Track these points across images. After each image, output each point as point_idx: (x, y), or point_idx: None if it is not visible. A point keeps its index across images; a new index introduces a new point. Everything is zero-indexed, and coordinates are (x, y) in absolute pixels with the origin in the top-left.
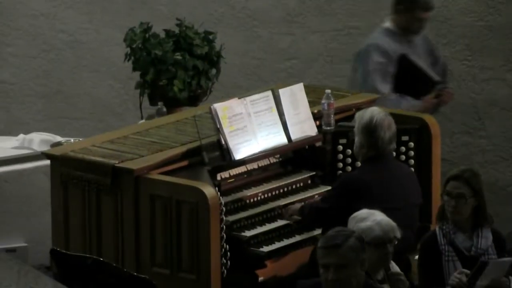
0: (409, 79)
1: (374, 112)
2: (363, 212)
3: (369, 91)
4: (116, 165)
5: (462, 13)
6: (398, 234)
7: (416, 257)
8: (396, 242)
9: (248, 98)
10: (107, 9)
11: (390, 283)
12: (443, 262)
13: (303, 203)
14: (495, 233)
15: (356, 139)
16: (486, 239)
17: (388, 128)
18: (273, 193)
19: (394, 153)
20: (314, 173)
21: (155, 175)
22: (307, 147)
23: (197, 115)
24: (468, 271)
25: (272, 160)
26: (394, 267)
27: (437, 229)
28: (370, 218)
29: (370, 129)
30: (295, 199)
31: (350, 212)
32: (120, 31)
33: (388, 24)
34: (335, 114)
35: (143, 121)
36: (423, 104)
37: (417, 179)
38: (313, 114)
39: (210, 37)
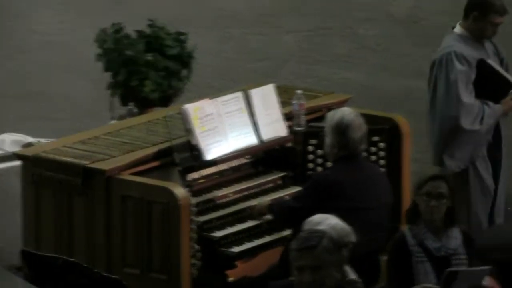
0: (488, 83)
1: (345, 112)
2: (317, 216)
3: (451, 101)
4: (87, 165)
5: (434, 13)
6: (353, 238)
7: (386, 258)
8: (351, 247)
9: (220, 99)
10: (81, 10)
11: None
12: (413, 263)
13: (271, 201)
14: (465, 234)
15: (327, 139)
16: (455, 240)
17: (359, 128)
18: (244, 193)
19: (365, 153)
20: (285, 173)
21: (126, 176)
22: (278, 147)
23: (168, 115)
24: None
25: (243, 160)
26: (350, 274)
27: (406, 230)
28: (325, 222)
29: (341, 129)
30: (269, 198)
31: (322, 212)
32: (94, 31)
33: (459, 30)
34: (306, 114)
35: (115, 121)
36: (504, 107)
37: (387, 179)
38: (284, 114)
39: (182, 37)
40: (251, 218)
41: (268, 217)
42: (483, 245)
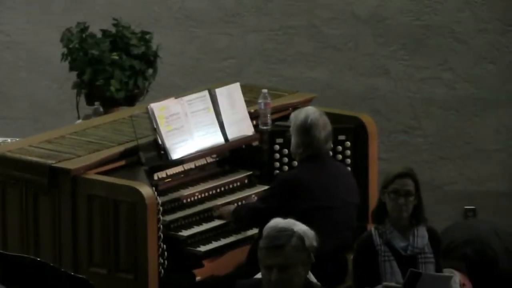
0: None
1: (309, 111)
2: (281, 222)
3: None
4: (53, 165)
5: (399, 12)
6: (316, 243)
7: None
8: (314, 251)
9: (185, 98)
10: (44, 10)
11: None
12: (379, 262)
13: (235, 206)
14: (431, 232)
15: (292, 139)
16: (422, 238)
17: (324, 128)
18: (210, 192)
19: (331, 152)
20: (251, 172)
21: (92, 175)
22: (244, 146)
23: (134, 115)
24: (393, 284)
25: (209, 159)
26: (311, 277)
27: (372, 229)
28: (300, 228)
29: (305, 128)
30: (232, 199)
31: (288, 211)
32: (58, 31)
33: None
34: (272, 113)
35: (80, 121)
36: None
37: (354, 178)
38: (250, 113)
39: (147, 37)
40: (213, 217)
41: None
42: (455, 240)
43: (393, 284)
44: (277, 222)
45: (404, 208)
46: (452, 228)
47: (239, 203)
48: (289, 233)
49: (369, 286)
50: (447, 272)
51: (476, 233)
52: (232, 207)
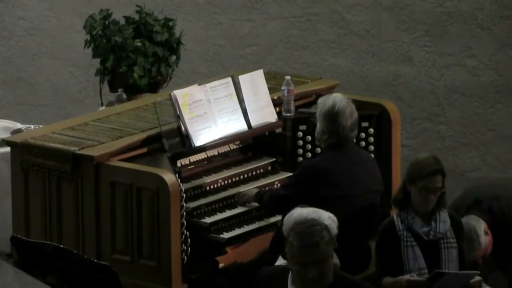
0: None
1: (337, 99)
2: (309, 212)
3: None
4: (76, 152)
5: None
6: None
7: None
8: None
9: (208, 85)
10: None
11: None
12: (402, 247)
13: (258, 190)
14: (452, 217)
15: (318, 125)
16: (444, 223)
17: (350, 116)
18: (233, 179)
19: (354, 140)
20: (274, 159)
21: (115, 162)
22: (267, 133)
23: (157, 101)
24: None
25: (232, 146)
26: (335, 259)
27: (394, 215)
28: (324, 217)
29: (332, 116)
30: (255, 186)
31: (311, 199)
32: (80, 18)
33: None
34: (295, 100)
35: (103, 108)
36: None
37: (378, 166)
38: (273, 100)
39: (170, 23)
40: (237, 205)
41: (255, 204)
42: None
43: (417, 277)
44: (301, 213)
45: (432, 203)
46: (481, 184)
47: (258, 190)
48: (319, 227)
49: (392, 272)
50: (473, 219)
51: (505, 191)
52: (254, 190)
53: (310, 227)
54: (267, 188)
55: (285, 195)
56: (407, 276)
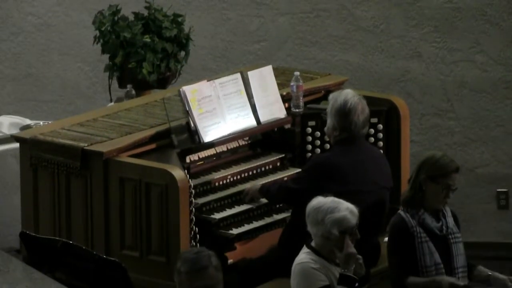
0: None
1: (349, 95)
2: (327, 201)
3: None
4: (85, 148)
5: None
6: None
7: (385, 239)
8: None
9: (217, 81)
10: None
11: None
12: (416, 244)
13: (261, 184)
14: (452, 212)
15: (329, 121)
16: (451, 218)
17: (362, 112)
18: (242, 175)
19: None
20: (283, 155)
21: (124, 158)
22: (276, 129)
23: (166, 97)
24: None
25: (241, 142)
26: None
27: (402, 212)
28: (341, 208)
29: (344, 112)
30: (264, 181)
31: (320, 194)
32: (89, 13)
33: None
34: (304, 96)
35: (112, 103)
36: None
37: (387, 162)
38: (282, 96)
39: (179, 19)
40: (244, 202)
41: (263, 200)
42: None
43: (458, 282)
44: (320, 201)
45: (448, 200)
46: None
47: (262, 184)
48: (207, 253)
49: (409, 271)
50: None
51: None
52: (258, 185)
53: (197, 253)
54: (272, 183)
55: (294, 188)
56: (446, 278)
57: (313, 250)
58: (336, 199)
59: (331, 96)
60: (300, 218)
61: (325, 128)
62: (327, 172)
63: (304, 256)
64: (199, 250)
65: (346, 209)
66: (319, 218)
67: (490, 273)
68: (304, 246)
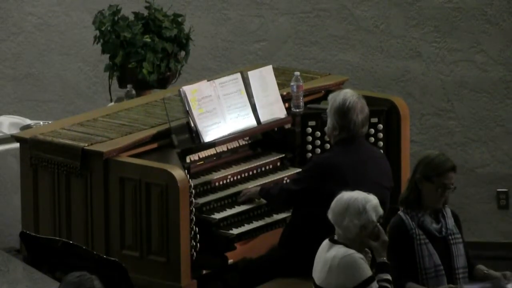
0: None
1: (347, 94)
2: (354, 193)
3: None
4: (85, 147)
5: None
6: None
7: None
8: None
9: (217, 81)
10: None
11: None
12: (415, 246)
13: (260, 187)
14: (452, 212)
15: (329, 120)
16: (450, 219)
17: (361, 111)
18: (243, 175)
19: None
20: (283, 155)
21: (124, 158)
22: (276, 129)
23: (166, 97)
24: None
25: (242, 142)
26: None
27: (401, 213)
28: (370, 196)
29: (343, 111)
30: (264, 181)
31: (321, 194)
32: (89, 13)
33: None
34: (304, 96)
35: (113, 103)
36: None
37: (388, 162)
38: (282, 96)
39: (179, 19)
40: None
41: (258, 201)
42: None
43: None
44: (349, 194)
45: (445, 199)
46: None
47: (260, 186)
48: (89, 277)
49: (408, 273)
50: None
51: None
52: (257, 188)
53: (80, 276)
54: (272, 184)
55: (295, 189)
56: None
57: (343, 244)
58: (363, 193)
59: (330, 96)
60: (300, 218)
61: (325, 128)
62: (327, 172)
63: (343, 249)
64: (82, 274)
65: (374, 197)
66: (361, 208)
67: (486, 272)
68: (329, 242)
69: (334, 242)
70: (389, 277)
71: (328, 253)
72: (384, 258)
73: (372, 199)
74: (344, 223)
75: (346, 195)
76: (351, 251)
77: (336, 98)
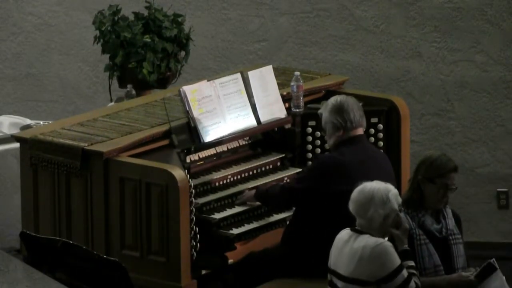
0: None
1: (335, 97)
2: (374, 183)
3: None
4: (85, 147)
5: None
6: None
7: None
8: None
9: (217, 81)
10: None
11: None
12: (415, 246)
13: (253, 190)
14: (453, 212)
15: (328, 126)
16: (451, 220)
17: (354, 104)
18: (243, 175)
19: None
20: (283, 155)
21: (124, 158)
22: (276, 129)
23: (166, 97)
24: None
25: (242, 142)
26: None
27: (402, 214)
28: (388, 185)
29: (338, 108)
30: (264, 181)
31: (325, 193)
32: (90, 13)
33: None
34: (304, 96)
35: (113, 103)
36: None
37: (390, 162)
38: (282, 96)
39: (179, 19)
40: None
41: (255, 203)
42: None
43: (468, 273)
44: (371, 184)
45: (447, 200)
46: None
47: (255, 189)
48: None
49: None
50: None
51: None
52: (253, 191)
53: None
54: (265, 187)
55: (298, 188)
56: (464, 274)
57: (369, 234)
58: (384, 184)
59: (320, 109)
60: (303, 217)
61: (325, 137)
62: (331, 171)
63: (372, 239)
64: None
65: (392, 186)
66: (385, 197)
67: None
68: (352, 233)
69: (358, 232)
70: (413, 263)
71: (355, 244)
72: (406, 246)
73: (392, 188)
74: (369, 214)
75: (368, 186)
76: (381, 240)
77: (327, 103)
